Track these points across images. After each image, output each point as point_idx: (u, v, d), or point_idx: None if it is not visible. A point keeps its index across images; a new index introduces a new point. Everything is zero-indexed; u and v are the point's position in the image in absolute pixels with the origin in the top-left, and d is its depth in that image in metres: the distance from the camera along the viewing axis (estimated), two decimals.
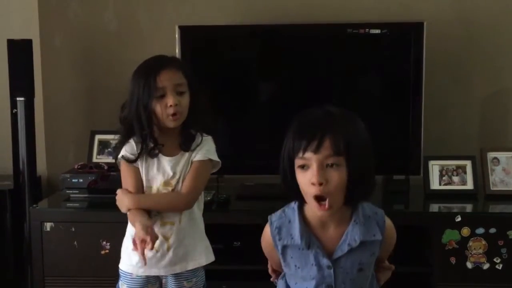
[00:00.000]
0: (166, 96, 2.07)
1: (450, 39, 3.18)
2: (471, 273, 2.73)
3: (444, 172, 3.04)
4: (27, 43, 3.06)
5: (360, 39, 3.00)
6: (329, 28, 3.04)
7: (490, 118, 3.28)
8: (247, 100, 3.12)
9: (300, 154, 1.61)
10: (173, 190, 2.14)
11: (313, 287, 1.72)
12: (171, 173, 2.13)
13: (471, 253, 2.73)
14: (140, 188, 2.15)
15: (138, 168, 2.15)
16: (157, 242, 2.06)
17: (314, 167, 1.60)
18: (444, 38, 3.15)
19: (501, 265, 2.73)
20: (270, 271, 1.91)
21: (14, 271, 3.19)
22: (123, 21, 3.32)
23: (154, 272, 2.15)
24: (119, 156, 2.16)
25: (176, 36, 2.99)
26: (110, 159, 3.10)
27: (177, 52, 2.96)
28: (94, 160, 3.15)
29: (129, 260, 2.17)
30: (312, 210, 1.67)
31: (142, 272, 2.15)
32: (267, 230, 1.77)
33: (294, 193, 1.68)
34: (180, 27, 3.00)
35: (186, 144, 2.14)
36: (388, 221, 1.76)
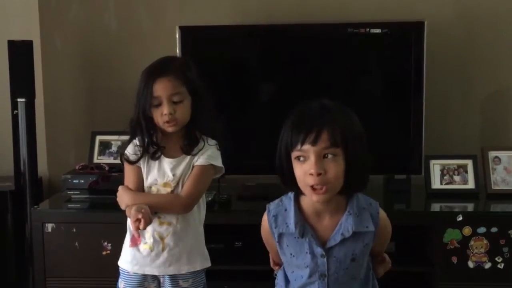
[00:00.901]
0: (162, 105, 2.09)
1: (450, 39, 3.18)
2: (472, 273, 2.73)
3: (445, 172, 3.04)
4: (28, 44, 3.06)
5: (361, 38, 3.00)
6: (330, 28, 3.04)
7: (491, 117, 3.27)
8: (248, 100, 3.12)
9: (298, 147, 1.65)
10: (172, 192, 2.14)
11: (307, 275, 1.75)
12: (171, 175, 2.14)
13: (472, 253, 2.73)
14: (141, 186, 2.17)
15: (140, 167, 2.17)
16: (152, 241, 2.11)
17: (312, 158, 1.64)
18: (445, 37, 3.15)
19: (502, 264, 2.73)
20: (272, 264, 1.92)
21: (16, 272, 3.18)
22: (123, 22, 3.32)
23: (148, 271, 2.16)
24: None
25: (177, 36, 2.99)
26: (111, 160, 3.13)
27: (178, 52, 2.97)
28: (95, 160, 3.16)
29: (125, 257, 2.19)
30: (308, 199, 1.71)
31: (137, 269, 2.16)
32: (265, 218, 1.80)
33: (291, 184, 1.72)
34: (181, 28, 3.00)
35: (188, 147, 2.15)
36: (382, 213, 1.78)
